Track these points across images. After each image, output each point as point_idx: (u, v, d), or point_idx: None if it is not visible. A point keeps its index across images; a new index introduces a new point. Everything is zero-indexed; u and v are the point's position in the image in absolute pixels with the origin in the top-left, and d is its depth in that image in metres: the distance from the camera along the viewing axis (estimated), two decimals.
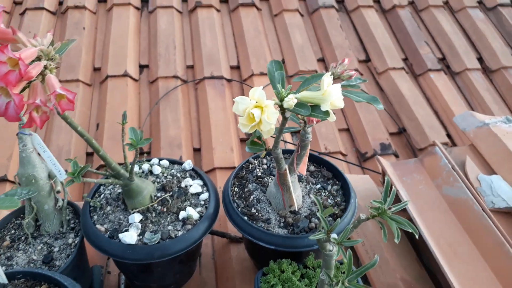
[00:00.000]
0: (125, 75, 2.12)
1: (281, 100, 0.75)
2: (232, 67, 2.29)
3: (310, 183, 1.09)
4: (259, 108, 0.71)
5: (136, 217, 0.95)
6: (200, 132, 1.99)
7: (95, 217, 0.98)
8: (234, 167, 1.70)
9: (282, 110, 0.76)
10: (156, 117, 2.02)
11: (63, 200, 1.02)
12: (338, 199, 1.05)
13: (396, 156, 2.01)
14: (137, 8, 2.49)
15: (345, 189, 1.07)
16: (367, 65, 2.39)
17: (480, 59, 2.41)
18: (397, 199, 1.16)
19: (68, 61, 2.16)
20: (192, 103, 2.12)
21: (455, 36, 2.49)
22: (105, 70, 2.15)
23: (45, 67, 0.69)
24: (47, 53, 0.70)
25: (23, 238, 1.02)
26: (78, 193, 1.76)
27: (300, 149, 0.94)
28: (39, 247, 1.00)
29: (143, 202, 0.97)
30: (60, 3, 2.50)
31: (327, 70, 2.38)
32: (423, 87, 2.30)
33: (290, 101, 0.72)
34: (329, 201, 1.05)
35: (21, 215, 1.06)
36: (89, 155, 1.91)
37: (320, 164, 1.15)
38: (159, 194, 1.01)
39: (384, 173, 1.24)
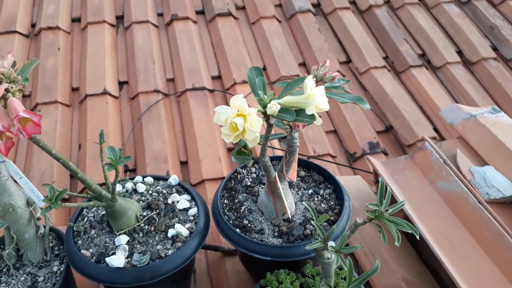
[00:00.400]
0: (105, 93, 2.08)
1: (264, 106, 0.72)
2: (213, 77, 2.26)
3: (302, 189, 1.06)
4: (242, 117, 0.68)
5: (123, 239, 0.90)
6: (185, 145, 1.95)
7: (80, 242, 0.93)
8: (223, 177, 1.66)
9: (266, 117, 0.73)
10: (139, 133, 1.97)
11: (44, 227, 0.97)
12: (332, 202, 1.02)
13: (386, 154, 2.00)
14: (112, 25, 2.45)
15: (338, 192, 1.04)
16: (349, 66, 2.39)
17: (460, 52, 2.43)
18: (392, 199, 1.13)
19: (45, 83, 2.11)
20: (175, 116, 2.08)
21: (433, 32, 2.50)
22: (84, 89, 2.10)
23: (7, 90, 0.65)
24: (8, 75, 0.66)
25: (4, 270, 0.97)
26: (64, 217, 1.70)
27: (288, 155, 0.91)
28: (22, 278, 0.94)
29: (129, 222, 0.92)
30: (33, 25, 2.45)
31: (309, 73, 2.38)
32: (406, 83, 2.30)
33: (273, 107, 0.69)
34: (323, 205, 1.02)
35: (1, 246, 1.00)
36: (73, 177, 1.85)
37: (310, 169, 1.12)
38: (145, 213, 0.97)
39: (376, 173, 1.21)
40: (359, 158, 1.96)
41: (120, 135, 2.01)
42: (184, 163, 1.91)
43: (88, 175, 1.78)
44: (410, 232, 0.61)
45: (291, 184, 1.05)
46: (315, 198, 1.03)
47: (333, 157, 1.97)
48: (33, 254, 0.95)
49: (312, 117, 0.72)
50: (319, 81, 0.91)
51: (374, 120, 2.13)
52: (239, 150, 0.82)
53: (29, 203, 0.94)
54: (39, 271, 0.95)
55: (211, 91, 2.16)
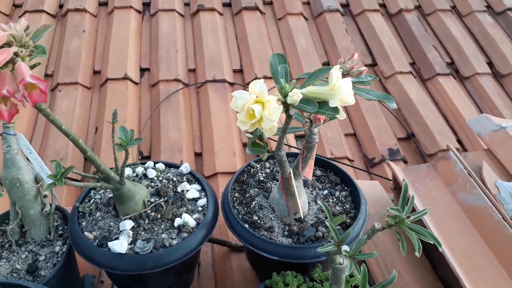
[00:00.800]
0: (126, 78, 2.07)
1: (285, 95, 0.68)
2: (235, 71, 2.23)
3: (317, 189, 1.02)
4: (260, 104, 0.64)
5: (127, 224, 0.88)
6: (201, 136, 1.93)
7: (84, 223, 0.91)
8: None
9: (286, 107, 0.69)
10: (156, 121, 1.95)
11: (50, 205, 0.95)
12: (347, 206, 0.98)
13: (405, 162, 1.94)
14: (139, 11, 2.44)
15: (354, 196, 1.00)
16: (374, 69, 2.32)
17: (490, 64, 2.34)
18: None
19: (67, 63, 2.11)
20: (193, 107, 2.06)
21: (464, 41, 2.42)
22: (105, 73, 2.10)
23: (16, 54, 0.62)
24: (19, 39, 0.63)
25: (7, 245, 0.95)
26: (74, 198, 1.69)
27: (305, 151, 0.86)
28: (23, 256, 0.92)
29: (135, 207, 0.89)
30: (60, 6, 2.45)
31: None
32: (431, 91, 2.23)
33: (295, 96, 0.65)
34: (337, 208, 0.97)
35: (6, 221, 0.99)
36: (87, 160, 1.85)
37: (327, 169, 1.08)
38: (152, 199, 0.94)
39: (395, 179, 1.16)
40: (377, 164, 1.90)
41: (138, 121, 1.99)
42: (198, 155, 1.88)
43: (102, 159, 1.77)
44: (432, 242, 0.57)
45: (305, 183, 1.01)
46: (330, 199, 0.99)
47: (350, 160, 1.92)
48: (37, 232, 0.93)
49: (336, 110, 0.67)
50: (345, 74, 0.86)
51: (396, 126, 2.07)
52: (254, 141, 0.78)
53: (37, 179, 0.92)
54: (41, 250, 0.93)
55: (232, 84, 2.13)
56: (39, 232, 0.94)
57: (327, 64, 2.33)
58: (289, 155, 1.05)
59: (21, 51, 0.62)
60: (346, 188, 1.03)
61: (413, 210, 1.00)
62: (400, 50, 2.36)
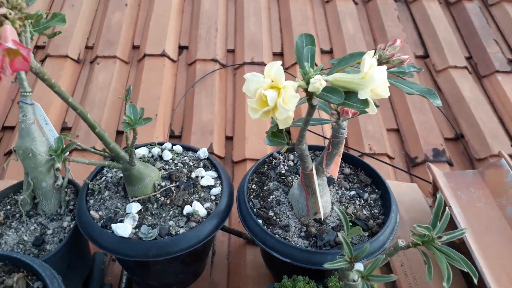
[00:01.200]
0: (163, 55, 2.03)
1: (308, 82, 0.59)
2: (275, 54, 2.13)
3: (343, 188, 0.92)
4: (276, 89, 0.56)
5: (134, 207, 0.83)
6: (234, 120, 1.86)
7: (92, 201, 0.87)
8: None
9: (309, 95, 0.60)
10: (190, 101, 1.91)
11: (63, 178, 0.92)
12: (376, 210, 0.88)
13: (450, 164, 1.78)
14: None
15: (385, 200, 0.89)
16: (425, 61, 2.15)
17: None
18: (450, 220, 0.96)
19: (108, 37, 2.10)
20: (229, 89, 1.99)
21: None
22: (144, 48, 2.07)
23: (5, 16, 0.57)
24: (11, 0, 0.58)
25: (17, 215, 0.93)
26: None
27: (331, 146, 0.77)
28: (32, 227, 0.90)
29: (145, 190, 0.84)
30: None
31: (378, 64, 2.19)
32: (487, 89, 2.04)
33: (317, 82, 0.56)
34: (364, 212, 0.87)
35: (20, 190, 0.97)
36: (119, 133, 1.84)
37: (358, 167, 0.98)
38: (163, 183, 0.88)
39: (435, 184, 1.04)
40: (420, 164, 1.76)
41: (172, 100, 1.95)
42: (229, 138, 1.82)
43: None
44: (466, 271, 0.47)
45: (331, 181, 0.92)
46: (357, 201, 0.89)
47: (390, 158, 1.79)
48: (48, 204, 0.91)
49: (365, 103, 0.58)
50: (384, 62, 0.76)
51: (444, 125, 1.91)
52: (273, 131, 0.70)
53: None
54: (50, 224, 0.90)
55: None
56: (50, 205, 0.91)
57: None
58: (314, 148, 0.96)
59: (10, 13, 0.57)
60: (376, 190, 0.93)
61: (452, 223, 0.88)
62: (456, 43, 2.16)
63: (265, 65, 2.01)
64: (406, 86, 0.71)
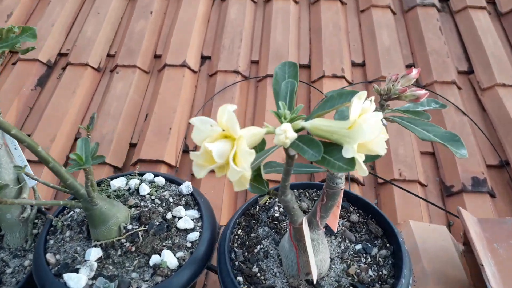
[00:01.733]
0: (183, 65, 1.95)
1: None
2: (301, 66, 2.00)
3: (347, 240, 0.78)
4: (230, 140, 0.44)
5: (94, 253, 0.72)
6: None
7: (51, 241, 0.78)
8: None
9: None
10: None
11: (32, 209, 0.83)
12: (384, 271, 0.73)
13: (492, 196, 1.58)
14: None
15: (397, 259, 0.74)
16: (469, 77, 1.94)
17: None
18: (478, 275, 0.79)
19: (130, 45, 2.05)
20: (249, 102, 1.88)
21: None
22: (165, 58, 2.00)
23: None
24: None
25: None
26: None
27: (325, 197, 0.64)
28: None
29: (108, 234, 0.74)
30: None
31: (417, 80, 2.00)
32: None
33: (282, 135, 0.43)
34: (370, 272, 0.72)
35: None
36: (132, 146, 1.77)
37: (369, 213, 0.83)
38: (130, 226, 0.77)
39: (466, 234, 0.87)
40: (456, 194, 1.57)
41: (189, 113, 1.87)
42: None
43: (146, 150, 1.67)
44: None
45: (331, 231, 0.78)
46: (362, 258, 0.74)
47: (422, 185, 1.61)
48: (13, 238, 0.83)
49: (351, 162, 0.44)
50: (393, 98, 0.61)
51: (487, 150, 1.70)
52: (256, 175, 0.57)
53: (19, 179, 0.81)
54: (12, 261, 0.82)
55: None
56: (15, 239, 0.83)
57: (412, 67, 2.00)
58: (305, 186, 0.82)
59: None
60: (388, 245, 0.77)
61: (483, 284, 0.72)
62: (506, 58, 1.94)
63: None
64: (421, 130, 0.57)
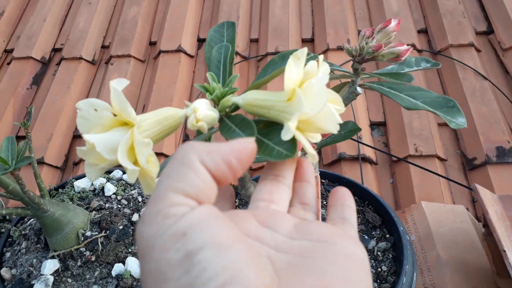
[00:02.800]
0: (179, 50, 1.85)
1: (218, 100, 0.36)
2: (304, 40, 1.87)
3: None
4: (129, 128, 0.34)
5: (49, 266, 0.64)
6: None
7: (8, 254, 0.70)
8: None
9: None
10: None
11: None
12: (384, 267, 0.62)
13: None
14: None
15: (398, 251, 0.63)
16: (488, 38, 1.77)
17: None
18: (501, 262, 0.68)
19: (123, 34, 1.96)
20: (251, 83, 1.77)
21: None
22: (159, 44, 1.90)
23: None
24: None
25: None
26: None
27: None
28: None
29: (65, 243, 0.66)
30: None
31: (430, 43, 1.81)
32: None
33: (192, 116, 0.34)
34: None
35: None
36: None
37: (365, 200, 0.72)
38: (89, 233, 0.68)
39: (485, 216, 0.75)
40: (479, 167, 1.43)
41: (188, 99, 1.77)
42: None
43: None
44: None
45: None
46: None
47: (442, 160, 1.47)
48: None
49: (292, 146, 0.34)
50: (368, 60, 0.50)
51: None
52: None
53: None
54: None
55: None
56: None
57: (424, 32, 1.84)
58: None
59: None
60: (388, 236, 0.66)
61: (506, 270, 0.60)
62: None
63: None
64: (405, 96, 0.45)
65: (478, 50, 1.72)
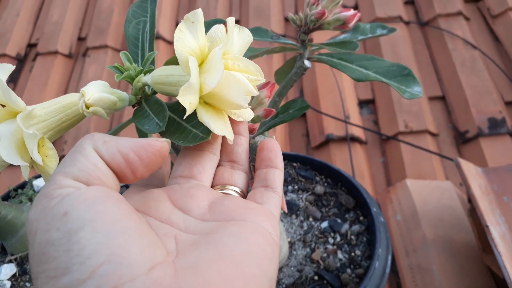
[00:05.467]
0: (157, 37, 1.78)
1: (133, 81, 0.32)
2: (287, 20, 1.80)
3: (311, 218, 0.62)
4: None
5: (5, 271, 0.60)
6: None
7: None
8: None
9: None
10: None
11: None
12: (358, 252, 0.57)
13: None
14: None
15: (372, 234, 0.58)
16: (477, 5, 1.70)
17: None
18: (486, 237, 0.62)
19: (99, 24, 1.89)
20: None
21: None
22: None
23: None
24: None
25: None
26: None
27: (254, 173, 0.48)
28: None
29: (21, 246, 0.61)
30: None
31: (417, 14, 1.75)
32: None
33: (80, 100, 0.30)
34: (340, 255, 0.57)
35: None
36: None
37: (337, 182, 0.66)
38: None
39: (468, 192, 0.69)
40: (471, 140, 1.38)
41: None
42: None
43: (125, 136, 1.54)
44: None
45: (292, 208, 0.62)
46: (330, 238, 0.59)
47: (433, 135, 1.42)
48: None
49: (206, 129, 0.30)
50: (314, 29, 0.45)
51: (504, 85, 1.48)
52: None
53: None
54: None
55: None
56: None
57: (411, 3, 1.77)
58: (289, 158, 0.66)
59: None
60: (361, 218, 0.61)
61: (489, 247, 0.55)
62: None
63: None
64: (355, 67, 0.40)
65: (467, 19, 1.65)
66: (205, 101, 0.32)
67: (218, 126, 0.31)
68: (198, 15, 0.31)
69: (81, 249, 0.24)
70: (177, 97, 0.29)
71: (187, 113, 0.29)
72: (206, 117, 0.30)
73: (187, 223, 0.31)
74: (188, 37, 0.30)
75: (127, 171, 0.30)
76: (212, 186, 0.37)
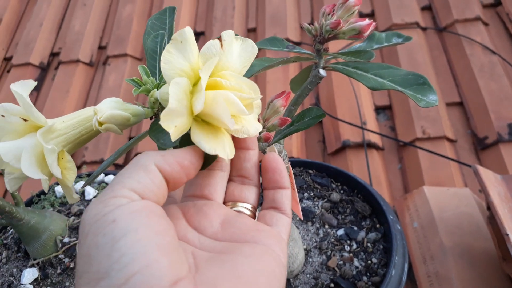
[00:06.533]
0: None
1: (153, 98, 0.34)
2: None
3: (327, 225, 0.62)
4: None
5: (28, 275, 0.62)
6: None
7: None
8: None
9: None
10: None
11: None
12: (374, 259, 0.57)
13: None
14: None
15: (388, 242, 0.58)
16: (496, 10, 1.68)
17: None
18: (506, 246, 0.62)
19: (118, 33, 1.93)
20: (251, 78, 1.72)
21: None
22: None
23: None
24: None
25: None
26: None
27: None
28: None
29: (43, 251, 0.63)
30: None
31: (435, 21, 1.73)
32: None
33: (94, 118, 0.31)
34: (356, 263, 0.57)
35: None
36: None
37: (354, 189, 0.67)
38: (67, 239, 0.65)
39: (487, 199, 0.69)
40: (491, 146, 1.36)
41: None
42: None
43: (141, 144, 1.57)
44: None
45: (308, 215, 0.62)
46: (346, 246, 0.59)
47: (451, 141, 1.40)
48: None
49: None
50: (329, 39, 0.45)
51: None
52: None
53: None
54: None
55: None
56: None
57: (428, 9, 1.76)
58: (305, 164, 0.66)
59: None
60: (378, 226, 0.61)
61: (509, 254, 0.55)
62: None
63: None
64: (371, 76, 0.40)
65: (485, 24, 1.63)
66: (202, 119, 0.33)
67: (210, 145, 0.31)
68: (185, 34, 0.31)
69: (121, 256, 0.27)
70: (159, 122, 0.30)
71: (172, 138, 0.30)
72: (198, 137, 0.31)
73: (202, 241, 0.34)
74: (177, 58, 0.30)
75: (182, 176, 0.33)
76: (224, 202, 0.39)
